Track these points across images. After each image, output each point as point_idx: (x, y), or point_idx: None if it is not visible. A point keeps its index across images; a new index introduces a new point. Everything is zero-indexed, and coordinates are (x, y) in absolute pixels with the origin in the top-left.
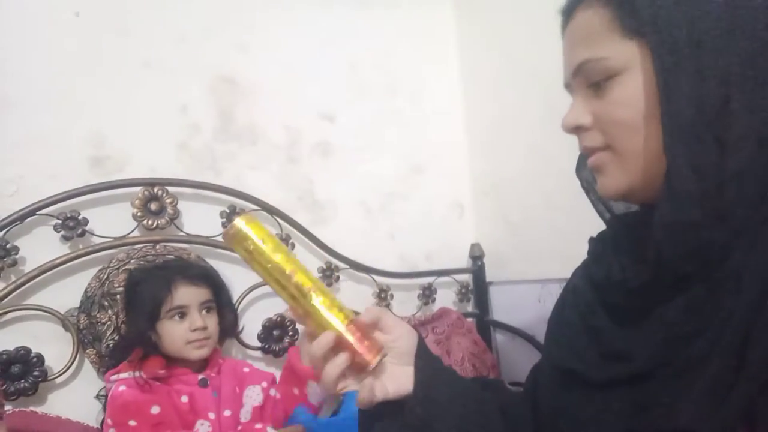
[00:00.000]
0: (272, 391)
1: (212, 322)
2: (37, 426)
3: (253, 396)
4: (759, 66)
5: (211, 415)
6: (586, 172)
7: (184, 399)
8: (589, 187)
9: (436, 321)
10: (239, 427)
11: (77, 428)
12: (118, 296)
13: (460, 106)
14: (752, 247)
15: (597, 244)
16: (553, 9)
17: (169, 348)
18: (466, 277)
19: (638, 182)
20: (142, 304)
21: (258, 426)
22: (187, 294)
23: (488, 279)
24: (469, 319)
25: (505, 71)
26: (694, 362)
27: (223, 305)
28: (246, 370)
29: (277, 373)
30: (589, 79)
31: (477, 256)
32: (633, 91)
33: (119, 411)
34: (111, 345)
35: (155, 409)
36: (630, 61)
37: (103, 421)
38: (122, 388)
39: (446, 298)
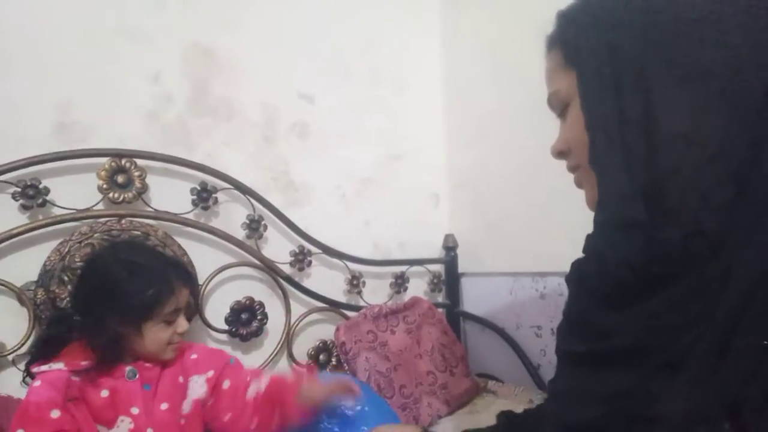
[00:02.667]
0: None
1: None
2: None
3: (195, 387)
4: (675, 65)
5: (134, 411)
6: None
7: (104, 393)
8: None
9: (407, 310)
10: (182, 421)
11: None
12: (79, 271)
13: (441, 98)
14: (744, 243)
15: (587, 241)
16: (539, 4)
17: (147, 348)
18: (439, 268)
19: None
20: (135, 301)
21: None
22: (184, 296)
23: (460, 270)
24: (440, 310)
25: (488, 65)
26: (679, 352)
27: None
28: (194, 356)
29: (245, 358)
30: (556, 110)
31: (450, 247)
32: (575, 114)
33: (18, 417)
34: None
35: (54, 414)
36: (569, 89)
37: None
38: (36, 384)
39: (418, 287)
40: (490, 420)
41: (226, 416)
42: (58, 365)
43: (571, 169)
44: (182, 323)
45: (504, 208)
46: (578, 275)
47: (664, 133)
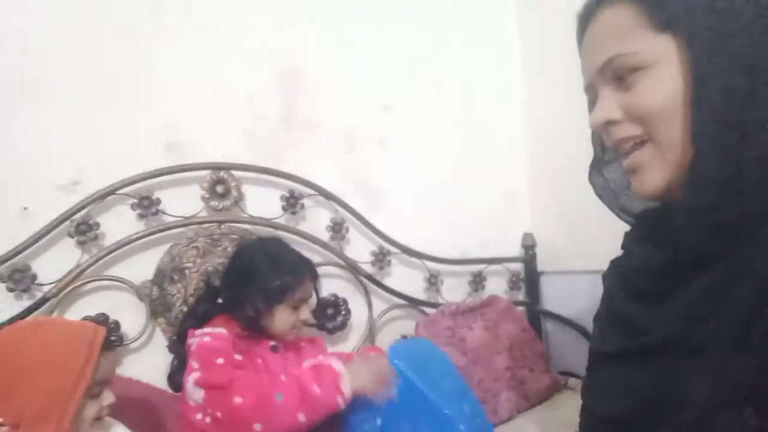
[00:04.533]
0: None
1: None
2: (117, 388)
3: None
4: None
5: (283, 378)
6: (600, 179)
7: (259, 361)
8: (603, 192)
9: (485, 308)
10: (320, 357)
11: (148, 389)
12: (187, 271)
13: (519, 96)
14: None
15: (625, 238)
16: None
17: (274, 328)
18: (518, 266)
19: (676, 176)
20: (271, 284)
21: (320, 358)
22: (309, 288)
23: (540, 269)
24: (520, 308)
25: (566, 61)
26: (705, 340)
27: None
28: (303, 344)
29: (332, 350)
30: (617, 74)
31: (529, 246)
32: (667, 82)
33: (207, 352)
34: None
35: (238, 357)
36: (661, 54)
37: (173, 374)
38: (206, 339)
39: (497, 286)
40: (567, 416)
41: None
42: (219, 329)
43: (630, 139)
44: (306, 311)
45: (582, 206)
46: (618, 273)
47: (758, 119)
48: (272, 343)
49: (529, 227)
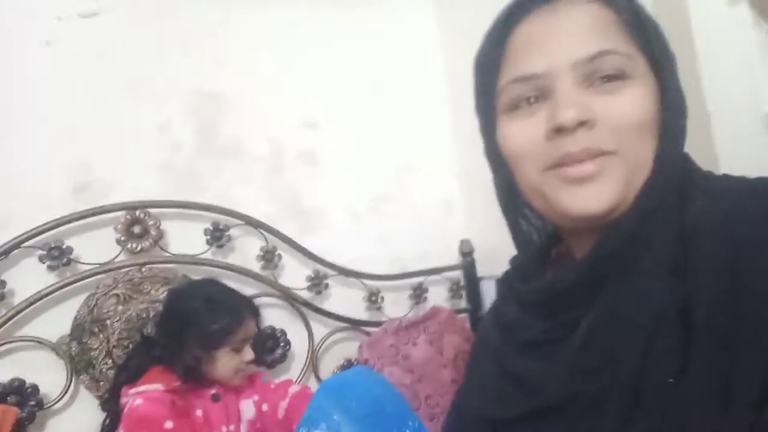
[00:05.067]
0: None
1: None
2: None
3: (246, 410)
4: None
5: (224, 429)
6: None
7: (199, 413)
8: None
9: (428, 321)
10: None
11: None
12: (107, 321)
13: (445, 103)
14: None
15: (502, 284)
16: None
17: (218, 373)
18: (458, 274)
19: (630, 196)
20: (209, 330)
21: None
22: (251, 327)
23: (480, 274)
24: (463, 315)
25: None
26: (601, 396)
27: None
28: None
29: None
30: (601, 72)
31: (467, 252)
32: (646, 95)
33: (133, 425)
34: (108, 367)
35: (168, 424)
36: (640, 70)
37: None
38: (138, 401)
39: (438, 296)
40: None
41: None
42: (155, 386)
43: (599, 152)
44: (248, 352)
45: None
46: (502, 326)
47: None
48: (213, 391)
49: (465, 234)
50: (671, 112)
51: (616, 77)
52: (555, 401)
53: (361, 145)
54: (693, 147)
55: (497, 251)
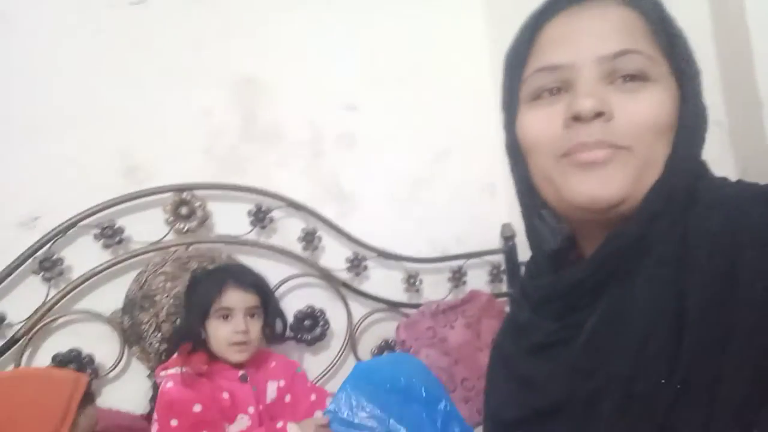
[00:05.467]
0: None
1: (255, 327)
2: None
3: (270, 393)
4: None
5: (251, 410)
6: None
7: (225, 395)
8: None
9: (466, 304)
10: (279, 424)
11: (129, 418)
12: (156, 297)
13: (490, 86)
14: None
15: (518, 290)
16: None
17: (214, 347)
18: (499, 258)
19: (637, 195)
20: (197, 302)
21: (279, 425)
22: (235, 297)
23: (521, 259)
24: (502, 299)
25: None
26: (595, 397)
27: (269, 313)
28: (273, 364)
29: (314, 360)
30: (623, 70)
31: (509, 236)
32: (666, 99)
33: (164, 409)
34: (158, 341)
35: (197, 408)
36: (663, 74)
37: (150, 412)
38: (169, 384)
39: (478, 279)
40: None
41: (278, 423)
42: (184, 368)
43: (610, 144)
44: (239, 321)
45: None
46: (515, 330)
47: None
48: (242, 372)
49: (507, 218)
50: (689, 119)
51: (637, 77)
52: (555, 401)
53: (403, 128)
54: (746, 139)
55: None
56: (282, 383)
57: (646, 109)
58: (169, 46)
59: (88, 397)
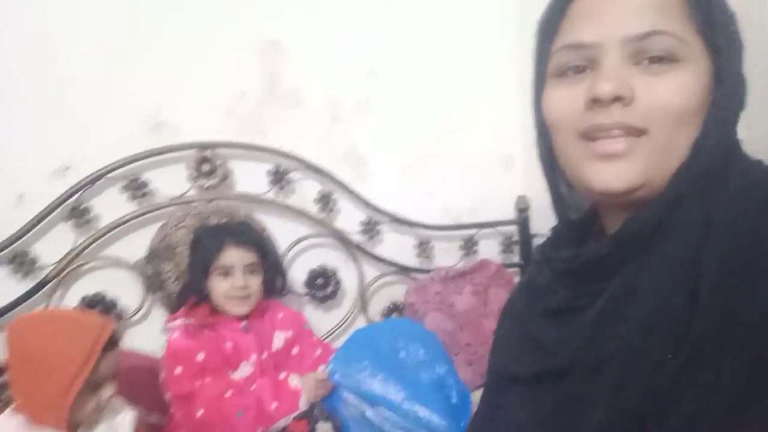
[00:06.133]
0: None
1: (255, 282)
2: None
3: (276, 342)
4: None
5: (253, 357)
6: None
7: (228, 345)
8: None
9: (475, 272)
10: (281, 375)
11: (149, 360)
12: (177, 249)
13: (512, 53)
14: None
15: (539, 252)
16: None
17: (215, 300)
18: (511, 229)
19: (656, 180)
20: (198, 260)
21: (282, 376)
22: (234, 255)
23: (533, 231)
24: (512, 270)
25: None
26: (605, 361)
27: (267, 268)
28: (280, 315)
29: (326, 316)
30: (650, 52)
31: (523, 209)
32: (693, 82)
33: (170, 358)
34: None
35: (200, 356)
36: (694, 54)
37: None
38: (175, 335)
39: (490, 249)
40: None
41: (281, 374)
42: (189, 319)
43: (628, 128)
44: (238, 278)
45: None
46: (529, 290)
47: (733, 148)
48: (243, 323)
49: (522, 190)
50: (722, 100)
51: (664, 59)
52: (563, 364)
53: (421, 96)
54: None
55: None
56: (289, 334)
57: (669, 93)
58: (197, 8)
59: (112, 342)
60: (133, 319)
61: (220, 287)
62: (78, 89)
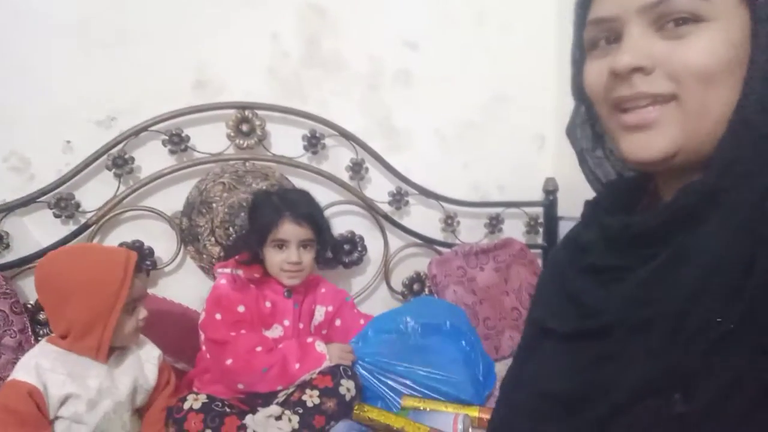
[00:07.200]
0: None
1: (308, 257)
2: (152, 305)
3: (317, 315)
4: None
5: (286, 322)
6: (583, 140)
7: (267, 304)
8: (584, 156)
9: (498, 250)
10: (309, 339)
11: (180, 309)
12: (213, 205)
13: (553, 37)
14: (725, 216)
15: (590, 207)
16: None
17: (269, 268)
18: (537, 210)
19: (691, 145)
20: (256, 228)
21: (309, 340)
22: (290, 231)
23: (560, 214)
24: (535, 251)
25: None
26: (646, 322)
27: (322, 243)
28: (323, 290)
29: (350, 282)
30: (667, 17)
31: (550, 191)
32: (724, 43)
33: (212, 302)
34: (211, 244)
35: (241, 308)
36: (726, 12)
37: None
38: (223, 281)
39: (515, 228)
40: None
41: (308, 339)
42: (238, 272)
43: (656, 96)
44: (292, 252)
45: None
46: (574, 246)
47: None
48: (287, 289)
49: (551, 172)
50: (762, 54)
51: (689, 20)
52: (603, 324)
53: (460, 71)
54: None
55: (581, 193)
56: (330, 308)
57: (693, 55)
58: None
59: (140, 265)
60: (167, 269)
61: (274, 258)
62: (128, 43)
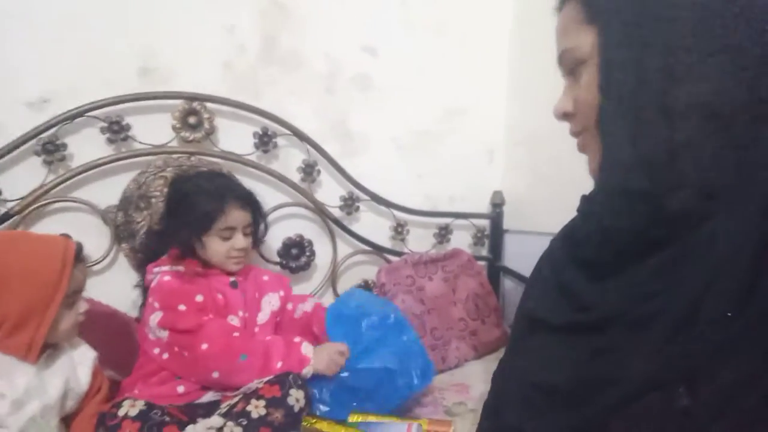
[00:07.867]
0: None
1: (249, 242)
2: None
3: (272, 302)
4: (704, 36)
5: (240, 313)
6: None
7: (219, 296)
8: None
9: (447, 260)
10: (256, 329)
11: (109, 311)
12: (153, 200)
13: (506, 52)
14: (730, 214)
15: (586, 202)
16: None
17: (210, 258)
18: (485, 222)
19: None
20: (194, 215)
21: (296, 339)
22: (237, 217)
23: (505, 227)
24: (481, 263)
25: (555, 23)
26: (650, 317)
27: (257, 226)
28: (265, 278)
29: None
30: (567, 68)
31: (497, 204)
32: (592, 74)
33: (168, 296)
34: (146, 238)
35: (199, 297)
36: (591, 47)
37: (141, 306)
38: (167, 278)
39: (462, 240)
40: None
41: (295, 338)
42: (178, 268)
43: (576, 133)
44: (239, 239)
45: (555, 168)
46: (570, 240)
47: (682, 102)
48: (232, 279)
49: (500, 185)
50: (612, 72)
51: (577, 67)
52: (599, 317)
53: (417, 80)
54: None
55: (527, 208)
56: (282, 293)
57: (584, 92)
58: None
59: (80, 256)
60: (96, 268)
61: (219, 248)
62: (67, 20)
